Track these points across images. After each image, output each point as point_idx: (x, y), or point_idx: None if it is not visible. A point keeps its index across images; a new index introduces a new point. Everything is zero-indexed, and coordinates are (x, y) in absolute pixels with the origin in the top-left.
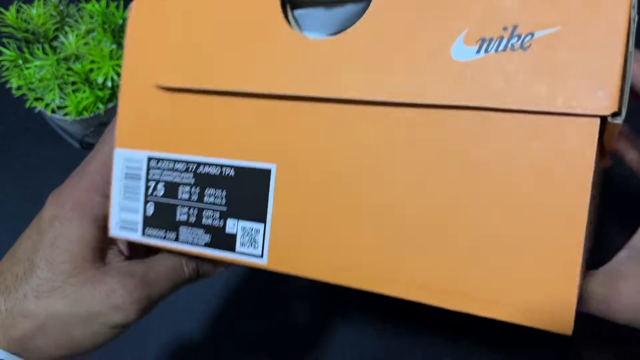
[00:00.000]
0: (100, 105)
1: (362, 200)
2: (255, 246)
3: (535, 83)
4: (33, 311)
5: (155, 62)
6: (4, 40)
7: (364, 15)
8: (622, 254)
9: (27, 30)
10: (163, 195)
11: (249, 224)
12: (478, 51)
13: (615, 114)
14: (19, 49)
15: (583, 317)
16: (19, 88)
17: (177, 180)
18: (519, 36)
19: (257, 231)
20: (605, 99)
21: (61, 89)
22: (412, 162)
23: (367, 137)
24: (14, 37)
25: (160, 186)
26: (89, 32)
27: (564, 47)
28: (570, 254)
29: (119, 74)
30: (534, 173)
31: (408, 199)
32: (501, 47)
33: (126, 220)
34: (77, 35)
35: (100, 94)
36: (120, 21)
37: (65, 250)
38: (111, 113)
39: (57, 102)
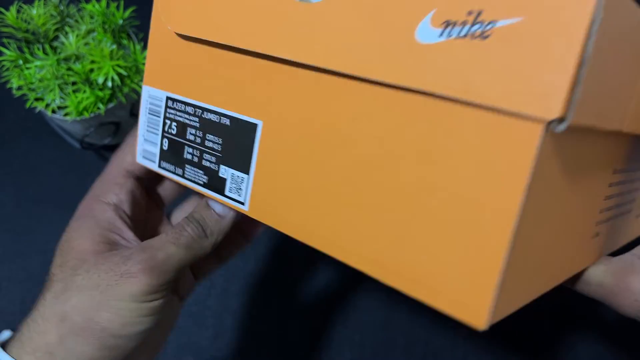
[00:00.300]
0: (101, 106)
1: (325, 167)
2: (240, 193)
3: (487, 76)
4: (52, 311)
5: (177, 10)
6: (5, 40)
7: None
8: None
9: (27, 31)
10: (175, 134)
11: (236, 173)
12: (441, 34)
13: (561, 120)
14: (20, 49)
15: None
16: (19, 88)
17: (187, 121)
18: (482, 23)
19: (242, 180)
20: (550, 103)
21: (61, 89)
22: (365, 137)
23: (333, 107)
24: (15, 37)
25: (174, 125)
26: (89, 32)
27: (522, 41)
28: (493, 253)
29: (119, 74)
30: (472, 168)
31: (358, 172)
32: (462, 33)
33: (147, 151)
34: (77, 36)
35: (101, 94)
36: (121, 21)
37: (70, 249)
38: (111, 113)
39: (58, 102)
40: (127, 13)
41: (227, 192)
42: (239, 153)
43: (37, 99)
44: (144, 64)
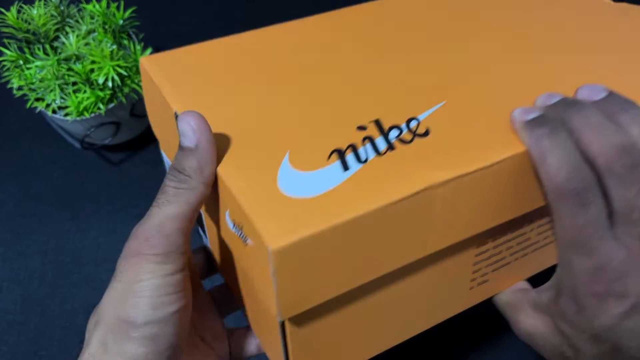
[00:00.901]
0: (101, 106)
1: (226, 257)
2: (207, 243)
3: (256, 278)
4: (91, 323)
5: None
6: (5, 40)
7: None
8: (533, 293)
9: (27, 31)
10: None
11: (203, 232)
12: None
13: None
14: (20, 49)
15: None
16: (20, 88)
17: None
18: (244, 235)
19: (206, 235)
20: (272, 308)
21: (62, 90)
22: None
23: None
24: (15, 38)
25: None
26: (89, 32)
27: (256, 259)
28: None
29: (119, 74)
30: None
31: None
32: (239, 235)
33: None
34: (77, 36)
35: (101, 94)
36: (121, 22)
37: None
38: (112, 113)
39: (58, 102)
40: (128, 13)
41: (204, 241)
42: (200, 221)
43: (37, 99)
44: None
